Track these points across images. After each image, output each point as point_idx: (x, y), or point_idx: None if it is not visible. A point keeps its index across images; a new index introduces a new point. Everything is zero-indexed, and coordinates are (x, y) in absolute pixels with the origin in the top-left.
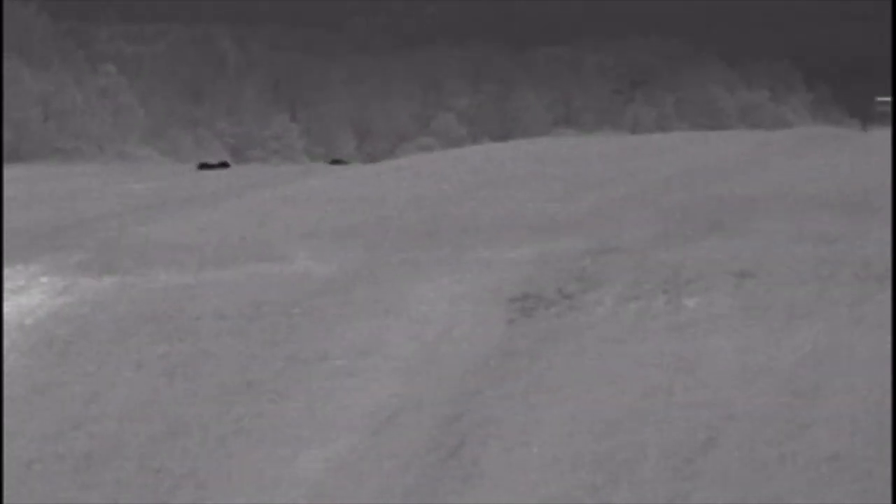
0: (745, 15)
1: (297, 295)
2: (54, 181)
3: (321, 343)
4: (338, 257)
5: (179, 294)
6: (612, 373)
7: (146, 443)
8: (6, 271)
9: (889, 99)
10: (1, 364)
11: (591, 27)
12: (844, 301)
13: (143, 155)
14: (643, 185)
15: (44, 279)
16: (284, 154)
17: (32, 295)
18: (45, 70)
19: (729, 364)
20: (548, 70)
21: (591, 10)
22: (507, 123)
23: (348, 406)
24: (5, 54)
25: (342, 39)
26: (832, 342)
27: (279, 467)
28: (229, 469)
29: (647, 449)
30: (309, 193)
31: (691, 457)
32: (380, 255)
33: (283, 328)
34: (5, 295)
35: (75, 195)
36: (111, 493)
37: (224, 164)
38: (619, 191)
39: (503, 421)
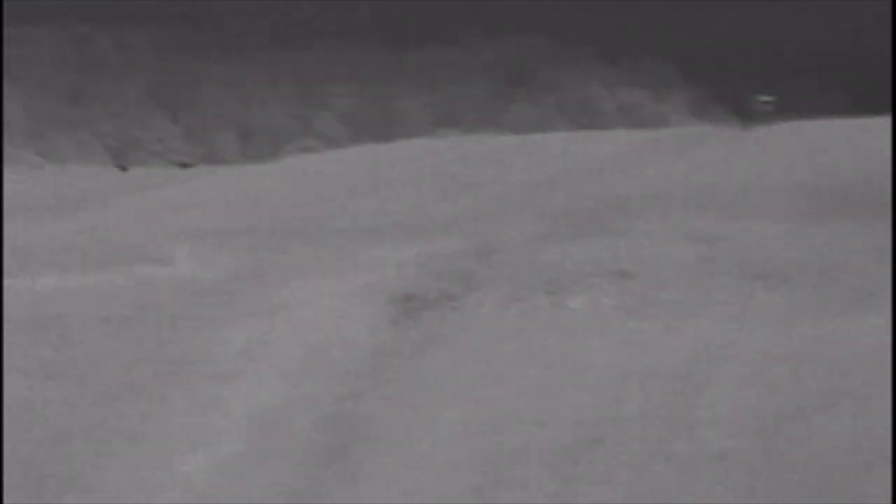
0: (625, 12)
1: (180, 297)
2: None
3: (204, 346)
4: (221, 259)
5: (61, 297)
6: (495, 373)
7: (29, 448)
8: None
9: (770, 98)
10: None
11: (471, 27)
12: (726, 300)
13: (23, 157)
14: (525, 185)
15: None
16: (165, 156)
17: None
18: None
19: (612, 364)
20: (429, 70)
21: (471, 9)
22: (388, 124)
23: (232, 409)
24: None
25: (223, 40)
26: (715, 341)
27: (163, 471)
28: (113, 473)
29: (531, 449)
30: (191, 195)
31: (576, 457)
32: (263, 257)
33: (167, 331)
34: None
35: None
36: None
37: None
38: (501, 191)
39: (387, 422)
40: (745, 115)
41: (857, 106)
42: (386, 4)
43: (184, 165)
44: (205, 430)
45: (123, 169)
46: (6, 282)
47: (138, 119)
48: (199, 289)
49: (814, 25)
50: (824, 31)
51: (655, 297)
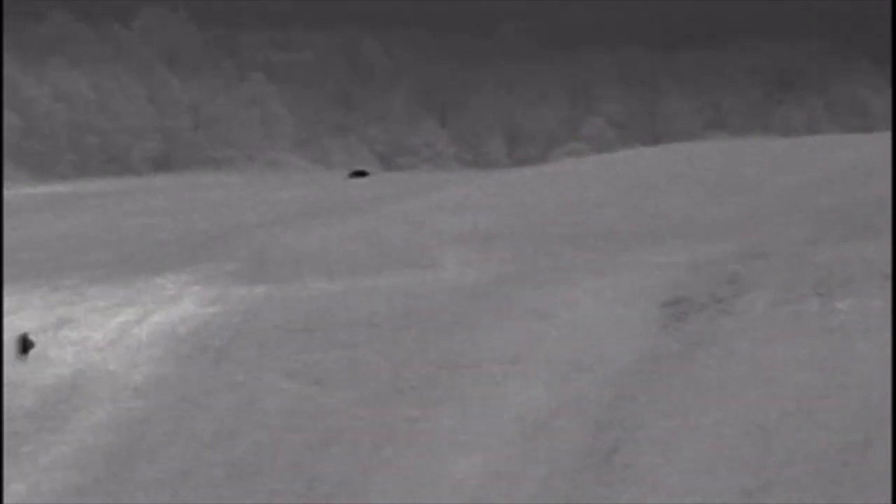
0: (891, 14)
1: (448, 301)
2: (205, 190)
3: (473, 349)
4: (489, 263)
5: (330, 302)
6: (764, 376)
7: (299, 451)
8: (158, 280)
9: None
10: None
11: (739, 29)
12: None
13: (293, 163)
14: (794, 188)
15: (196, 288)
16: (434, 161)
17: (185, 304)
18: (195, 79)
19: (882, 366)
20: (697, 73)
21: (740, 12)
22: (657, 127)
23: (501, 412)
24: (155, 63)
25: (490, 45)
26: None
27: (434, 474)
28: (383, 477)
29: (801, 451)
30: (459, 200)
31: (846, 458)
32: (531, 261)
33: (435, 335)
34: (158, 304)
35: (226, 204)
36: (265, 502)
37: (363, 173)
38: (769, 194)
39: (656, 425)
40: None
41: None
42: (655, 8)
43: (359, 174)
44: (474, 434)
45: (361, 175)
46: (276, 287)
47: (406, 123)
48: (467, 293)
49: None
50: None
51: None
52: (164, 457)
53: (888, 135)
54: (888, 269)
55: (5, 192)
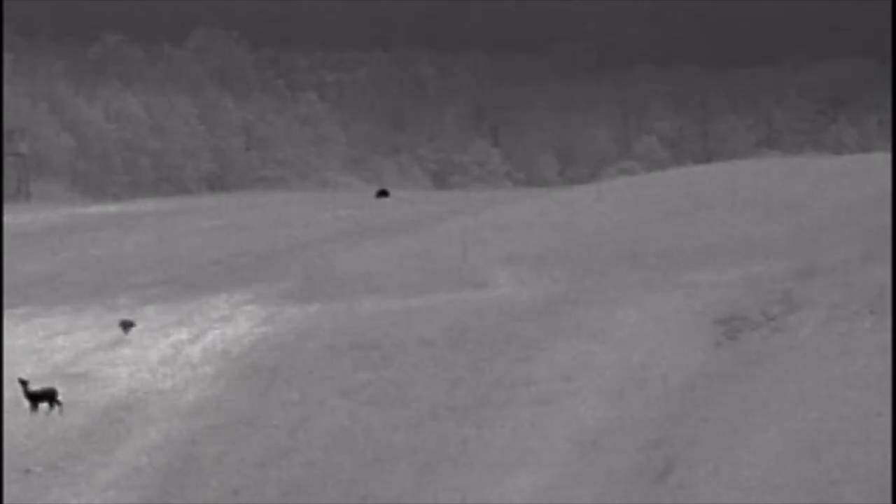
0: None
1: (501, 320)
2: (258, 210)
3: (525, 368)
4: (541, 282)
5: (383, 321)
6: (816, 394)
7: (352, 470)
8: (211, 300)
9: None
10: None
11: (793, 48)
12: None
13: (346, 182)
14: (847, 205)
15: (249, 308)
16: (486, 179)
17: (238, 324)
18: (247, 99)
19: None
20: (750, 91)
21: (793, 31)
22: (709, 145)
23: (554, 431)
24: (208, 84)
25: (542, 63)
26: None
27: (485, 494)
28: (436, 495)
29: (855, 470)
30: (511, 219)
31: None
32: (583, 280)
33: (487, 354)
34: (211, 324)
35: (278, 224)
36: None
37: (386, 193)
38: (822, 212)
39: (710, 444)
40: None
41: None
42: (707, 27)
43: (383, 193)
44: (526, 453)
45: (385, 195)
46: (329, 306)
47: (459, 143)
48: (519, 312)
49: None
50: None
51: None
52: (217, 476)
53: None
54: None
55: (60, 213)
